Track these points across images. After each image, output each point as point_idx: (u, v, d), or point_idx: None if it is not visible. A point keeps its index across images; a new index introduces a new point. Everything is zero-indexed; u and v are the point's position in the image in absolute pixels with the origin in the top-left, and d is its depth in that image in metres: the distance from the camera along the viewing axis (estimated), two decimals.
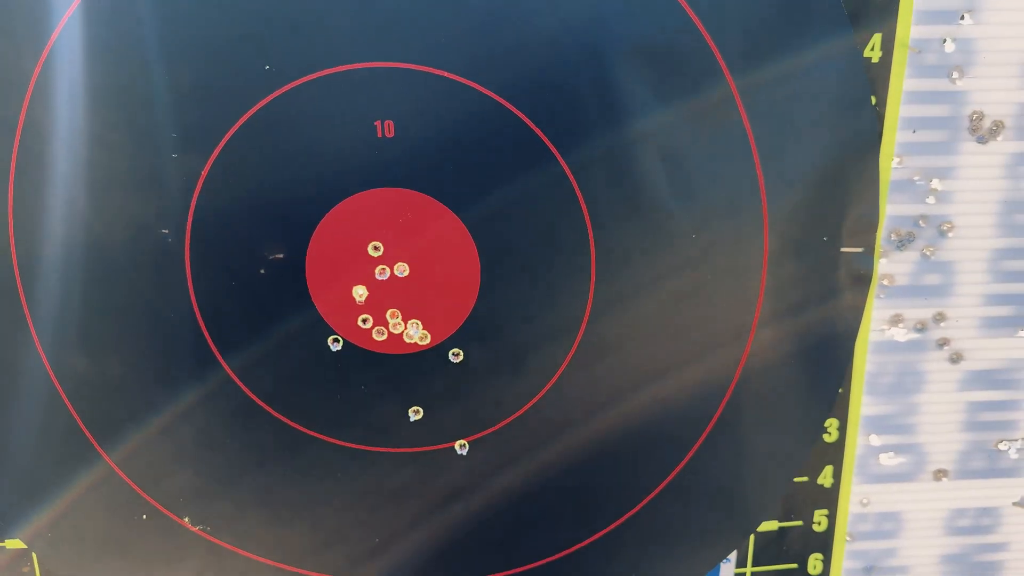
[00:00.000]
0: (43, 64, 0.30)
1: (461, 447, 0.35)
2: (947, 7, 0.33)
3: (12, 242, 0.32)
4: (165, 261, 0.32)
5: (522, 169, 0.32)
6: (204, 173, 0.31)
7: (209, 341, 0.33)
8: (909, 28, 0.33)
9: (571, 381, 0.35)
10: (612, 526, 0.37)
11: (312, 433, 0.35)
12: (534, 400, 0.35)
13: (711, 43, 0.31)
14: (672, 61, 0.31)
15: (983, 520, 0.39)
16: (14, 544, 0.37)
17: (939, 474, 0.38)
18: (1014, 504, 0.39)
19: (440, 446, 0.35)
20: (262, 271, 0.33)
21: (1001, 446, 0.38)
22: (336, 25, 0.30)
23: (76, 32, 0.30)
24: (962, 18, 0.33)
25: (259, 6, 0.30)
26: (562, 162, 0.32)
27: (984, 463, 0.38)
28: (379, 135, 0.31)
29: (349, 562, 0.37)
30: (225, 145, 0.31)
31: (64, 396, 0.34)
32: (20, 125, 0.31)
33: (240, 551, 0.36)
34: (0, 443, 0.34)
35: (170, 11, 0.30)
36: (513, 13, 0.30)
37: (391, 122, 0.31)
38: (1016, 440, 0.38)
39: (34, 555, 0.37)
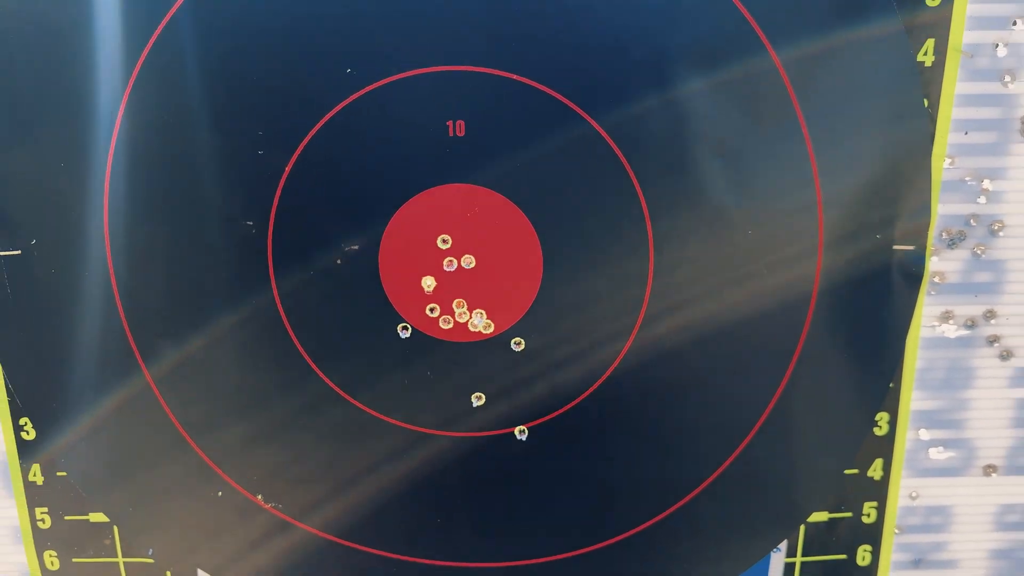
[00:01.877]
0: (142, 64, 0.33)
1: (520, 432, 0.37)
2: (1000, 13, 0.34)
3: (107, 232, 0.34)
4: (249, 251, 0.34)
5: (584, 167, 0.34)
6: (288, 169, 0.33)
7: (288, 327, 0.35)
8: (962, 33, 0.34)
9: (627, 372, 0.36)
10: (664, 514, 0.38)
11: (380, 416, 0.37)
12: (591, 389, 0.36)
13: (768, 46, 0.32)
14: (731, 64, 0.33)
15: None
16: (98, 517, 0.39)
17: (988, 469, 0.39)
18: None
19: (501, 431, 0.37)
20: (339, 261, 0.35)
21: None
22: (411, 32, 0.32)
23: (170, 35, 0.32)
24: (1014, 23, 0.34)
25: (341, 15, 0.32)
26: (623, 160, 0.34)
27: None
28: (450, 134, 0.33)
29: (409, 540, 0.38)
30: (308, 143, 0.33)
31: (152, 382, 0.36)
32: (118, 121, 0.33)
33: (307, 527, 0.38)
34: (93, 425, 0.37)
35: (258, 17, 0.32)
36: (579, 19, 0.32)
37: (462, 122, 0.33)
38: None
39: (115, 528, 0.39)
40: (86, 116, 0.33)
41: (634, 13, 0.32)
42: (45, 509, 0.39)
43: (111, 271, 0.35)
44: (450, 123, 0.33)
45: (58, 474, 0.38)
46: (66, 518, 0.39)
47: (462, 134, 0.33)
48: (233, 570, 0.39)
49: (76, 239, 0.34)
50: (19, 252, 0.35)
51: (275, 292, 0.35)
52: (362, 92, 0.33)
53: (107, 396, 0.37)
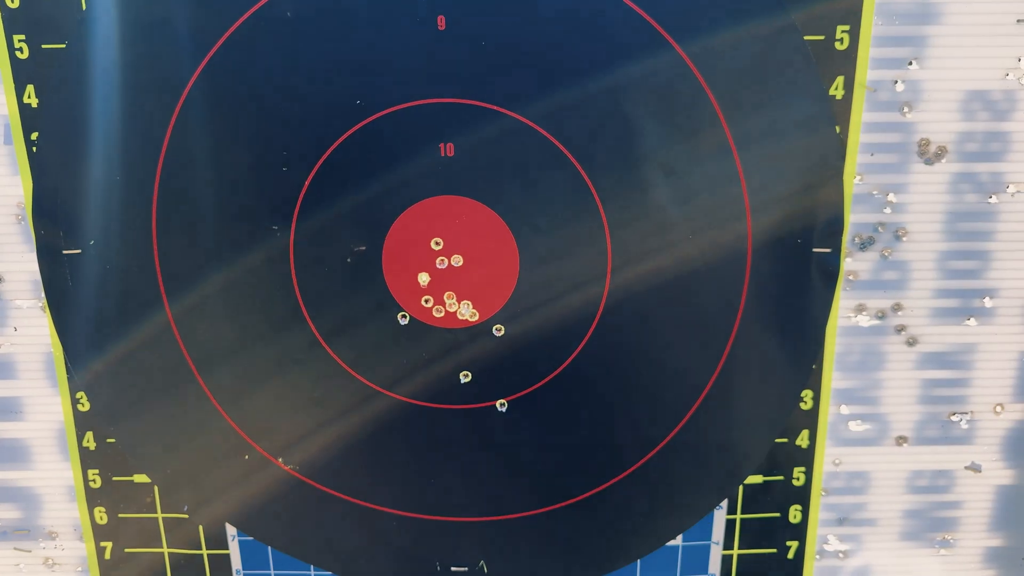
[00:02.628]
0: (186, 96, 0.39)
1: (501, 405, 0.43)
2: (898, 55, 0.40)
3: (155, 238, 0.41)
4: (274, 250, 0.41)
5: (553, 183, 0.40)
6: (307, 184, 0.40)
7: (306, 315, 0.42)
8: (867, 71, 0.40)
9: (591, 354, 0.43)
10: (622, 475, 0.44)
11: (383, 391, 0.43)
12: (560, 368, 0.43)
13: (706, 87, 0.39)
14: (674, 101, 0.39)
15: (939, 481, 0.46)
16: (141, 478, 0.46)
17: (900, 440, 0.45)
18: (966, 468, 0.46)
19: (485, 404, 0.43)
20: (348, 260, 0.41)
21: (953, 418, 0.45)
22: (410, 72, 0.39)
23: (216, 71, 0.39)
24: (910, 63, 0.40)
25: (353, 58, 0.39)
26: (585, 177, 0.40)
27: (938, 432, 0.45)
28: (442, 155, 0.40)
29: (405, 498, 0.45)
30: (324, 162, 0.40)
31: (192, 363, 0.43)
32: (166, 142, 0.40)
33: (320, 486, 0.45)
34: (141, 400, 0.43)
35: (288, 62, 0.39)
36: (546, 62, 0.39)
37: (451, 144, 0.40)
38: (966, 413, 0.45)
39: (156, 488, 0.46)
40: (140, 139, 0.40)
41: (590, 54, 0.39)
42: (96, 471, 0.46)
43: (157, 266, 0.41)
44: (442, 145, 0.40)
45: (108, 441, 0.45)
46: (114, 479, 0.46)
47: (452, 154, 0.40)
48: (255, 522, 0.46)
49: (129, 242, 0.41)
50: (79, 251, 0.42)
51: (296, 286, 0.42)
52: (369, 120, 0.39)
53: (152, 377, 0.43)
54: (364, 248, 0.41)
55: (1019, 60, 0.40)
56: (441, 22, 0.38)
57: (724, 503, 0.46)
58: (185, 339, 0.43)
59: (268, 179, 0.40)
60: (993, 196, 0.42)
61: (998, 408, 0.45)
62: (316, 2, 0.38)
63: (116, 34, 0.39)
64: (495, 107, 0.39)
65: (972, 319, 0.44)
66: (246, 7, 0.38)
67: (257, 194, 0.40)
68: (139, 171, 0.40)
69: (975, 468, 0.46)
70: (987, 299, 0.43)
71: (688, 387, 0.43)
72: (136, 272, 0.42)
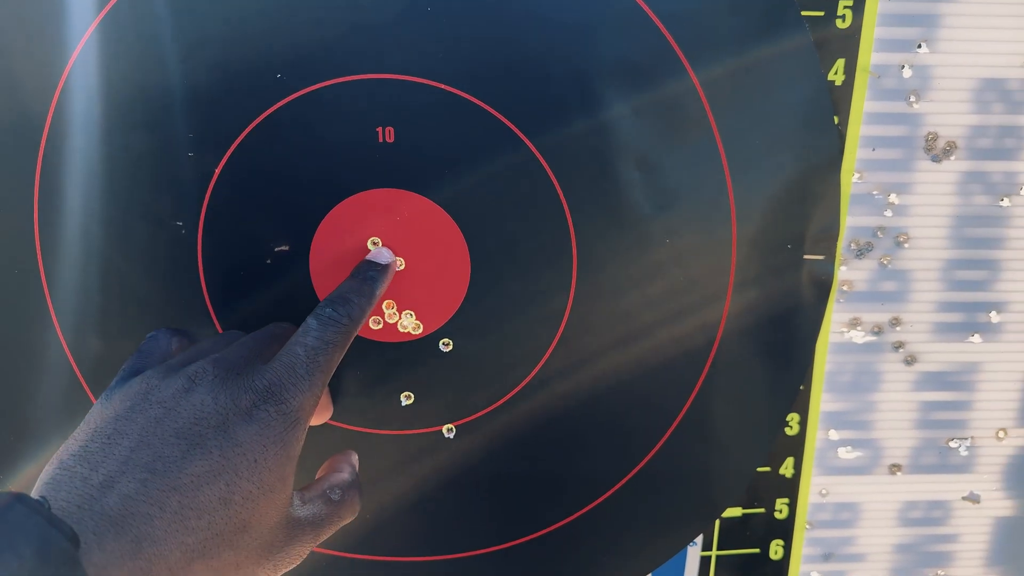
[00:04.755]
0: (70, 67, 0.33)
1: (448, 431, 0.38)
2: (906, 36, 0.35)
3: (37, 232, 0.34)
4: (179, 251, 0.35)
5: (510, 174, 0.35)
6: (217, 171, 0.34)
7: (218, 327, 0.36)
8: (870, 55, 0.35)
9: (551, 373, 0.37)
10: (587, 508, 0.39)
11: None
12: (516, 389, 0.37)
13: (687, 64, 0.34)
14: (651, 82, 0.34)
15: (934, 513, 0.42)
16: None
17: (893, 468, 0.41)
18: (963, 498, 0.42)
19: (429, 429, 0.38)
20: (268, 261, 0.35)
21: (951, 444, 0.41)
22: (340, 39, 0.33)
23: (101, 38, 0.32)
24: (919, 47, 0.35)
25: (270, 21, 0.32)
26: (547, 168, 0.35)
27: (935, 459, 0.41)
28: (380, 140, 0.34)
29: (339, 536, 0.39)
30: (238, 146, 0.34)
31: (81, 376, 0.36)
32: (47, 124, 0.33)
33: None
34: (21, 421, 0.37)
35: (188, 23, 0.32)
36: (503, 32, 0.33)
37: (392, 128, 0.34)
38: (966, 438, 0.41)
39: None
40: (15, 116, 0.33)
41: (560, 31, 0.33)
42: None
43: (41, 271, 0.35)
44: (380, 129, 0.34)
45: None
46: None
47: (392, 140, 0.34)
48: None
49: (4, 241, 0.34)
50: None
51: (204, 291, 0.35)
52: (293, 97, 0.33)
53: (40, 397, 0.37)
54: (287, 248, 0.35)
55: None
56: None
57: (699, 538, 0.41)
58: (72, 344, 0.36)
59: (170, 166, 0.34)
60: (1005, 198, 0.37)
61: (1000, 433, 0.41)
62: None
63: None
64: (442, 85, 0.34)
65: (976, 335, 0.39)
66: None
67: (157, 184, 0.34)
68: (15, 156, 0.34)
69: (973, 499, 0.42)
70: (993, 313, 0.39)
71: (661, 411, 0.38)
72: (15, 279, 0.35)
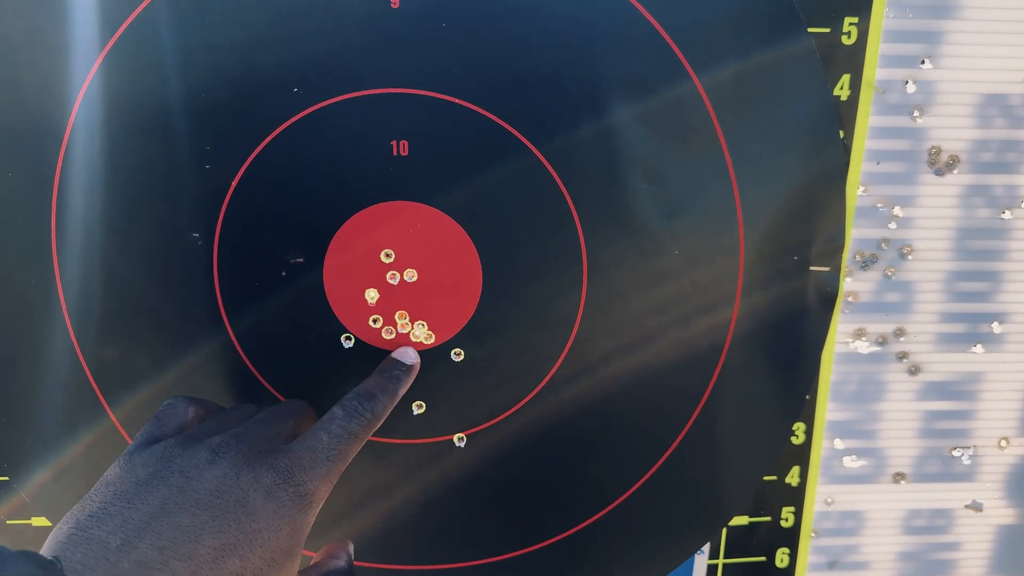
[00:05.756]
0: (91, 79, 0.33)
1: (459, 440, 0.38)
2: (910, 52, 0.36)
3: (54, 244, 0.35)
4: (195, 262, 0.35)
5: (522, 186, 0.35)
6: (234, 184, 0.34)
7: (232, 338, 0.36)
8: (875, 70, 0.36)
9: (561, 382, 0.38)
10: (595, 517, 0.40)
11: None
12: (527, 399, 0.38)
13: (695, 79, 0.34)
14: (659, 95, 0.34)
15: (937, 521, 0.42)
16: (40, 521, 0.39)
17: (897, 477, 0.42)
18: (966, 507, 0.42)
19: (440, 438, 0.38)
20: (283, 273, 0.36)
21: (955, 452, 0.41)
22: (355, 54, 0.33)
23: (119, 54, 0.33)
24: (923, 62, 0.36)
25: (287, 36, 0.33)
26: (557, 179, 0.35)
27: (939, 468, 0.42)
28: (394, 153, 0.35)
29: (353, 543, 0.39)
30: (254, 159, 0.34)
31: (97, 388, 0.37)
32: (66, 136, 0.34)
33: None
34: (38, 431, 0.37)
35: (208, 38, 0.33)
36: (514, 47, 0.34)
37: (406, 142, 0.34)
38: (968, 447, 0.41)
39: None
40: (34, 129, 0.34)
41: (570, 45, 0.34)
42: None
43: (58, 282, 0.35)
44: (394, 143, 0.34)
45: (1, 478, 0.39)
46: (8, 522, 0.40)
47: (406, 153, 0.35)
48: None
49: (21, 255, 0.35)
50: None
51: (220, 303, 0.36)
52: (308, 111, 0.34)
53: (54, 406, 0.37)
54: (302, 260, 0.36)
55: None
56: None
57: (706, 547, 0.41)
58: (87, 355, 0.36)
59: (187, 178, 0.34)
60: (1007, 211, 0.38)
61: (1003, 442, 0.41)
62: None
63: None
64: (455, 99, 0.34)
65: (979, 345, 0.40)
66: None
67: (174, 196, 0.34)
68: (35, 171, 0.34)
69: (976, 507, 0.42)
70: (995, 324, 0.39)
71: (669, 420, 0.38)
72: (35, 293, 0.35)
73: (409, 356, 0.36)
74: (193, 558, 0.25)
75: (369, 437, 0.32)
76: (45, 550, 0.24)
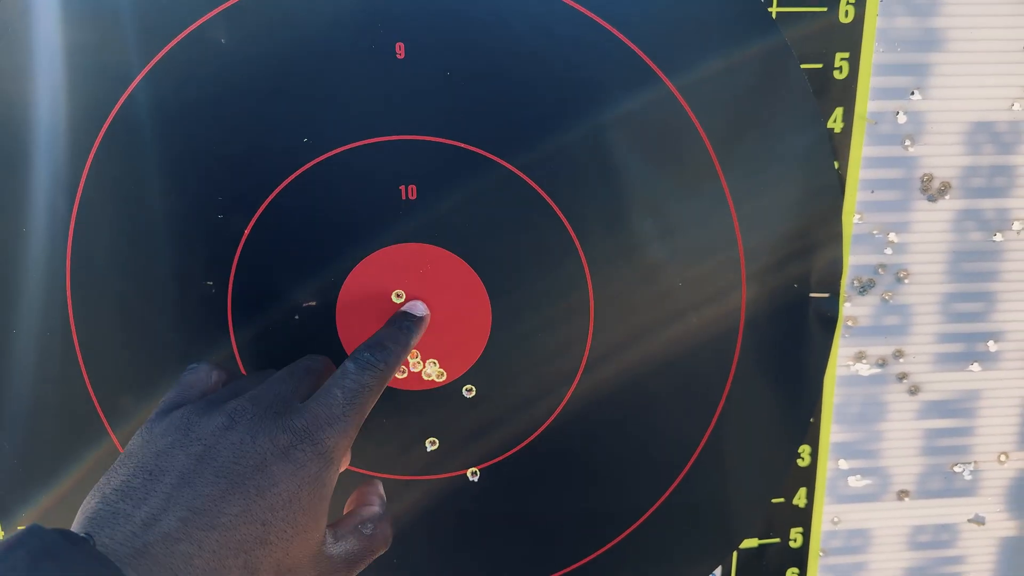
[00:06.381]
0: (104, 131, 0.34)
1: (472, 474, 0.39)
2: (899, 85, 0.37)
3: (69, 293, 0.35)
4: (208, 310, 0.36)
5: (529, 227, 0.36)
6: (247, 232, 0.35)
7: None
8: (867, 102, 0.37)
9: (570, 415, 0.38)
10: (608, 546, 0.40)
11: None
12: (538, 432, 0.39)
13: (694, 119, 0.35)
14: (659, 134, 0.35)
15: (942, 536, 0.43)
16: None
17: (901, 494, 0.42)
18: (969, 521, 0.43)
19: (454, 473, 0.39)
20: (296, 317, 0.36)
21: (956, 468, 0.42)
22: (364, 104, 0.34)
23: (132, 109, 0.34)
24: (912, 94, 0.37)
25: (297, 88, 0.34)
26: (564, 220, 0.36)
27: (941, 484, 0.42)
28: (403, 197, 0.35)
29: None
30: (266, 208, 0.35)
31: (113, 435, 0.37)
32: (80, 188, 0.34)
33: None
34: (56, 484, 0.37)
35: (220, 91, 0.34)
36: (517, 93, 0.35)
37: (414, 186, 0.35)
38: (969, 463, 0.42)
39: None
40: (48, 182, 0.34)
41: (573, 91, 0.35)
42: None
43: (74, 335, 0.36)
44: (403, 187, 0.35)
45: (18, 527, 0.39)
46: None
47: (414, 197, 0.35)
48: None
49: (37, 304, 0.35)
50: None
51: (235, 348, 0.36)
52: (319, 159, 0.35)
53: (71, 452, 0.37)
54: (314, 303, 0.36)
55: None
56: (400, 49, 0.34)
57: (718, 570, 0.42)
58: (104, 404, 0.37)
59: (200, 227, 0.35)
60: (998, 234, 0.39)
61: (1002, 457, 0.42)
62: (253, 26, 0.33)
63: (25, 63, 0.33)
64: (461, 144, 0.35)
65: (976, 364, 0.41)
66: (175, 32, 0.33)
67: (187, 245, 0.35)
68: (48, 222, 0.34)
69: (979, 521, 0.43)
70: (991, 343, 0.41)
71: (678, 448, 0.39)
72: (48, 340, 0.36)
73: (419, 308, 0.35)
74: (216, 527, 0.25)
75: (385, 385, 0.31)
76: (75, 526, 0.24)
